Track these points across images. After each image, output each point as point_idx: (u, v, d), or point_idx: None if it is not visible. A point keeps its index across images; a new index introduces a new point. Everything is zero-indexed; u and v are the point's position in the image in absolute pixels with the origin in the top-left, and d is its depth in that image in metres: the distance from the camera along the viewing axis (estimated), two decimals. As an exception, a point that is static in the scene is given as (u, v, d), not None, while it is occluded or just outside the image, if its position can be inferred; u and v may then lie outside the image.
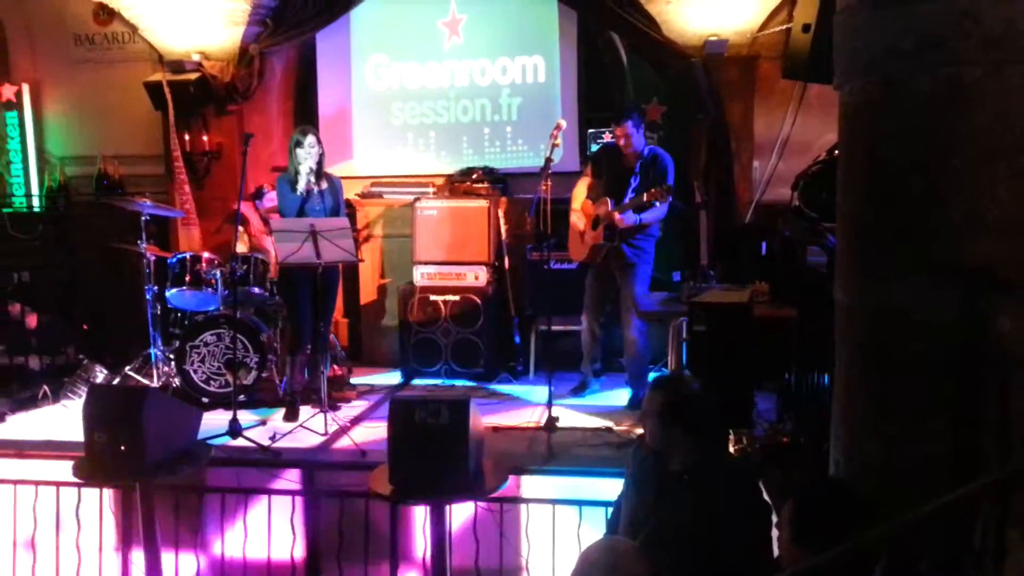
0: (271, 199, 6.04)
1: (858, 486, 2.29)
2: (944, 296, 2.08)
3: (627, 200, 5.12)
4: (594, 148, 6.43)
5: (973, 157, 2.08)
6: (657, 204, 4.97)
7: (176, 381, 5.56)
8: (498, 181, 6.57)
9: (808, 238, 4.48)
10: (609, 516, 3.35)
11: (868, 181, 2.33)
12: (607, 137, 6.26)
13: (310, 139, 5.07)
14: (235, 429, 4.66)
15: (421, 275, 6.23)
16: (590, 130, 6.79)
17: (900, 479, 2.20)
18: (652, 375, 5.43)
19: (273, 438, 4.66)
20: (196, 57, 6.77)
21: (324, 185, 5.18)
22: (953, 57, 2.07)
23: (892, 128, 2.23)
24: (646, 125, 6.29)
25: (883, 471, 2.26)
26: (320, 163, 5.13)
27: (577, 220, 5.41)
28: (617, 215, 5.06)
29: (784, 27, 5.74)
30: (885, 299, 2.26)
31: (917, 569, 2.08)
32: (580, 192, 5.45)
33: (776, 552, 2.62)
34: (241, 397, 5.22)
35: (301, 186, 5.04)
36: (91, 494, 4.39)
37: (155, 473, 3.76)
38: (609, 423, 4.94)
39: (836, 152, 2.67)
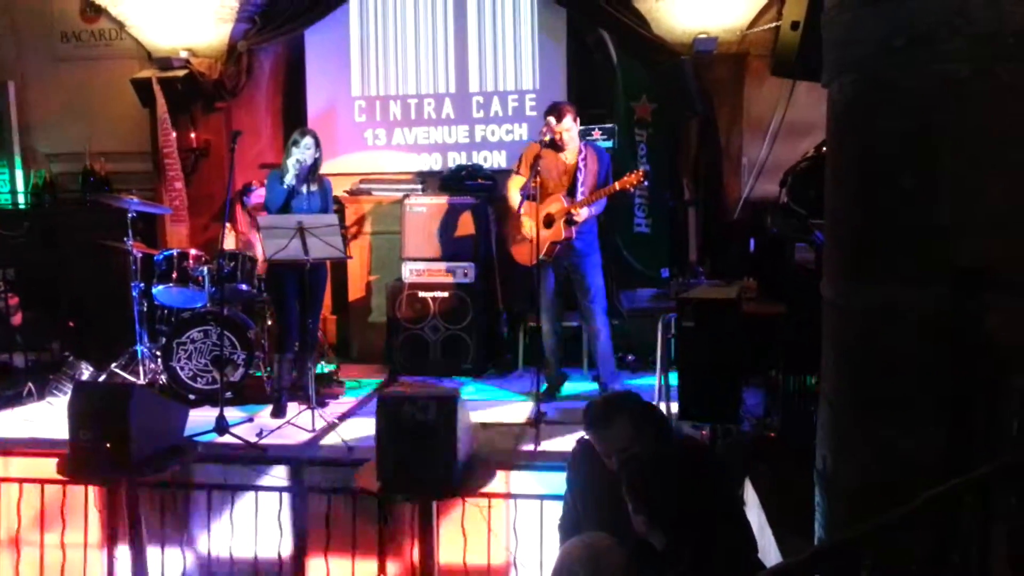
0: (258, 195, 6.01)
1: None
2: (934, 294, 2.08)
3: (583, 194, 5.10)
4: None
5: (963, 154, 2.08)
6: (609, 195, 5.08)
7: (163, 378, 5.52)
8: (487, 179, 6.56)
9: (796, 234, 4.50)
10: (561, 519, 3.20)
11: (857, 178, 2.33)
12: (596, 134, 6.25)
13: (307, 140, 5.07)
14: (222, 426, 4.65)
15: (410, 272, 6.21)
16: (579, 128, 6.77)
17: (889, 477, 2.20)
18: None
19: (260, 435, 4.64)
20: (184, 54, 6.74)
21: (315, 187, 5.17)
22: (943, 55, 2.08)
23: (882, 125, 2.23)
24: (635, 122, 6.32)
25: (871, 469, 2.26)
26: (316, 165, 5.12)
27: (527, 224, 5.18)
28: (579, 208, 5.05)
29: (773, 25, 5.76)
30: (874, 298, 2.26)
31: (905, 566, 2.08)
32: (515, 194, 5.26)
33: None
34: (228, 394, 5.20)
35: (288, 180, 5.02)
36: (76, 491, 4.36)
37: (141, 470, 3.75)
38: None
39: (824, 149, 2.68)
